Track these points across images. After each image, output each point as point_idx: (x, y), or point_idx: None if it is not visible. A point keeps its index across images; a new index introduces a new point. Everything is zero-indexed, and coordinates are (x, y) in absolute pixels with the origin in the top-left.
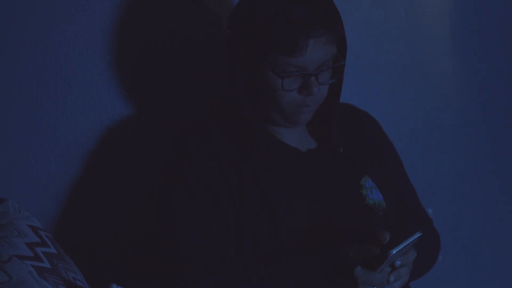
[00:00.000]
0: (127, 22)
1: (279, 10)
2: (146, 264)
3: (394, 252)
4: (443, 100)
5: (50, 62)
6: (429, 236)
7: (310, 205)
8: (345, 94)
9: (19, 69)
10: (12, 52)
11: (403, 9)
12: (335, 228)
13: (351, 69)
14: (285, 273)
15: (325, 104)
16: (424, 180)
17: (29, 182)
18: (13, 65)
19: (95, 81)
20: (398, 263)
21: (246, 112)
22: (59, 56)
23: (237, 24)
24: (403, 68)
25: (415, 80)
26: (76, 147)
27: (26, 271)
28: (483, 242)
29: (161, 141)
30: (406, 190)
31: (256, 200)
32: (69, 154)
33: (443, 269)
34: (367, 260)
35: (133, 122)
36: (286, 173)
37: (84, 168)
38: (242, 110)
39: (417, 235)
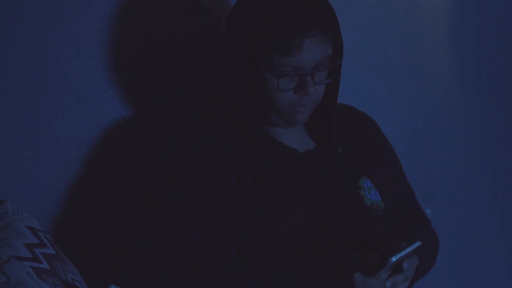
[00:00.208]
0: (127, 22)
1: (275, 10)
2: (145, 265)
3: (394, 260)
4: (442, 101)
5: (50, 62)
6: (427, 237)
7: (308, 206)
8: (344, 94)
9: (19, 69)
10: (12, 52)
11: (402, 10)
12: (335, 231)
13: (350, 69)
14: (284, 274)
15: (323, 104)
16: (423, 181)
17: (28, 182)
18: (13, 65)
19: (95, 81)
20: (405, 265)
21: (245, 113)
22: (59, 56)
23: (233, 25)
24: (402, 69)
25: (414, 81)
26: (76, 147)
27: (24, 272)
28: (482, 242)
29: (161, 141)
30: (404, 191)
31: (255, 201)
32: (69, 155)
33: (442, 269)
34: (366, 265)
35: (133, 122)
36: (285, 174)
37: (84, 169)
38: (240, 111)
39: (417, 244)
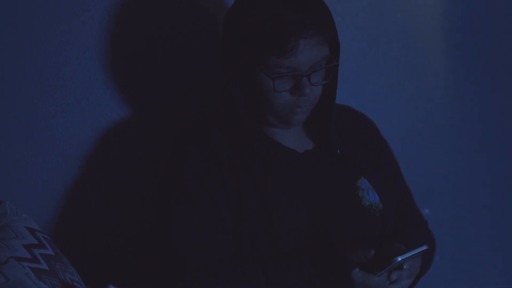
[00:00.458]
0: (126, 23)
1: (270, 12)
2: (144, 265)
3: (400, 259)
4: (439, 101)
5: (50, 63)
6: (425, 239)
7: (307, 206)
8: (342, 95)
9: (18, 70)
10: (12, 52)
11: (398, 11)
12: (333, 231)
13: (347, 70)
14: (283, 274)
15: (322, 105)
16: (421, 181)
17: (27, 182)
18: (12, 65)
19: (95, 82)
20: (406, 266)
21: (243, 114)
22: (58, 56)
23: (230, 25)
24: (399, 69)
25: (411, 81)
26: (75, 147)
27: (23, 272)
28: (481, 243)
29: (161, 141)
30: (402, 191)
31: (255, 201)
32: (68, 155)
33: (441, 270)
34: (368, 263)
35: (133, 122)
36: (284, 174)
37: (83, 169)
38: (238, 112)
39: (424, 247)
